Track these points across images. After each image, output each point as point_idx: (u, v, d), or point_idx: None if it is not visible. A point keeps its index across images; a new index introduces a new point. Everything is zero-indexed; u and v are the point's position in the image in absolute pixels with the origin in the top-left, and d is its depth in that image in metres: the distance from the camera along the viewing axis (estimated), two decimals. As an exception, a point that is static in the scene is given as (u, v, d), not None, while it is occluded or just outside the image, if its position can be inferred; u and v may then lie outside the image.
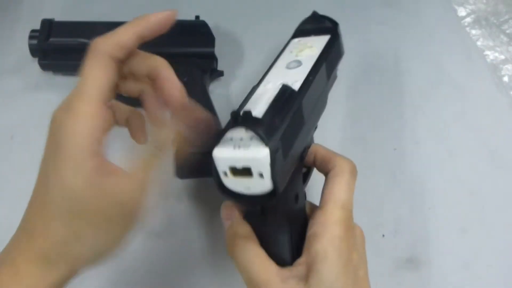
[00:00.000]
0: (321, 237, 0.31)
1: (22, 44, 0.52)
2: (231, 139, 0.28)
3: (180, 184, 0.48)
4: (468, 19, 0.64)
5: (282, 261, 0.32)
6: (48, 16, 0.53)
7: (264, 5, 0.62)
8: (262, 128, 0.28)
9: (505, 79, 0.59)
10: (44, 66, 0.53)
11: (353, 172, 0.34)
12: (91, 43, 0.30)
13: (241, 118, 0.28)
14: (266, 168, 0.27)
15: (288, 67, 0.36)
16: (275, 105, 0.30)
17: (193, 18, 0.54)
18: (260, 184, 0.28)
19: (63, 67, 0.53)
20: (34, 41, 0.51)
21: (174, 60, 0.34)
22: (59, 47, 0.51)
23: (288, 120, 0.30)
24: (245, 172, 0.28)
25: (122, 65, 0.32)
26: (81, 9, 0.59)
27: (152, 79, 0.33)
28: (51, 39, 0.51)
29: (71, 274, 0.30)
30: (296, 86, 0.32)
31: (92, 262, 0.30)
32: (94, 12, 0.59)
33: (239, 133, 0.28)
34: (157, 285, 0.44)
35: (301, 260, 0.31)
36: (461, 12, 0.65)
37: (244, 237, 0.33)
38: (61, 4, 0.60)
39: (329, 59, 0.37)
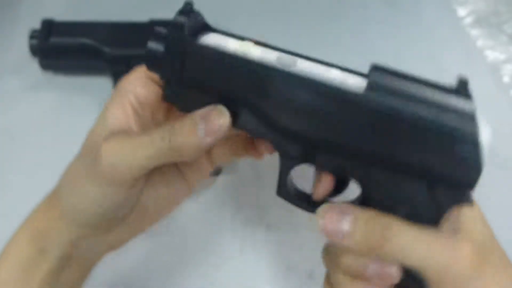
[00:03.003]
0: None
1: (22, 44, 0.52)
2: None
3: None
4: (468, 19, 0.64)
5: None
6: (48, 16, 0.53)
7: (264, 5, 0.62)
8: None
9: (505, 79, 0.59)
10: (44, 66, 0.53)
11: None
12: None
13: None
14: None
15: None
16: None
17: (193, 18, 0.54)
18: None
19: (64, 67, 0.54)
20: (35, 41, 0.51)
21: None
22: (60, 47, 0.51)
23: None
24: None
25: None
26: (81, 9, 0.60)
27: None
28: (51, 39, 0.51)
29: (84, 231, 0.30)
30: None
31: (96, 223, 0.30)
32: (94, 12, 0.59)
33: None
34: (156, 285, 0.44)
35: None
36: (461, 12, 0.65)
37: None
38: (61, 4, 0.60)
39: None
